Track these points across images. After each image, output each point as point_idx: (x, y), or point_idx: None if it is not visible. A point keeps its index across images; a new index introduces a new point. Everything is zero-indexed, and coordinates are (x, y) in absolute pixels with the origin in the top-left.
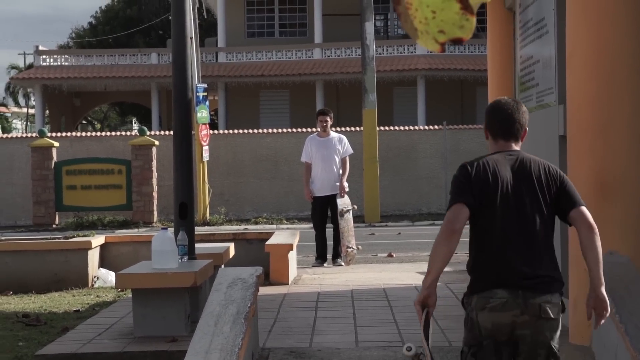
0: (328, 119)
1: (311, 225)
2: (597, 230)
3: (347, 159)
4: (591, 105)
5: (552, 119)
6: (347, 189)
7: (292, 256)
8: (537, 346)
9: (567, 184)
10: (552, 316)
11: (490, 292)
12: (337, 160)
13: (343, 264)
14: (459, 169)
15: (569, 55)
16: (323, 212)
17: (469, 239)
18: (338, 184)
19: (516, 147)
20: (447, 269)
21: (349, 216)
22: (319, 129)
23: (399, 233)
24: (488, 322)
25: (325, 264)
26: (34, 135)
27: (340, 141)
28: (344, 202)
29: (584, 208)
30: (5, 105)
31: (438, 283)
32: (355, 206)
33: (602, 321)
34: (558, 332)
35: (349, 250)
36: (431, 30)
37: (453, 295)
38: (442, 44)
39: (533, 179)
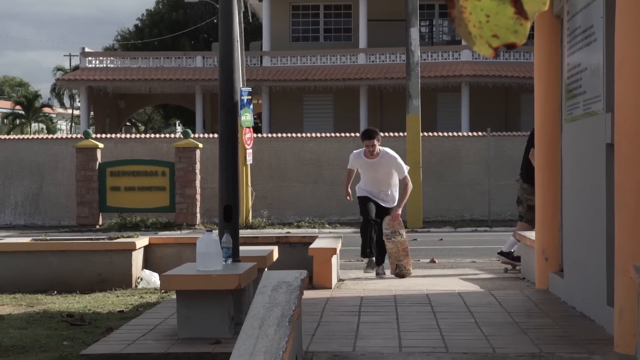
0: (375, 142)
1: (353, 229)
2: None
3: (407, 179)
4: None
5: (599, 127)
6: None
7: (335, 260)
8: (524, 200)
9: None
10: (524, 187)
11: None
12: (391, 180)
13: (387, 272)
14: None
15: (618, 64)
16: (372, 204)
17: None
18: (388, 196)
19: None
20: (489, 275)
21: (398, 239)
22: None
23: (441, 239)
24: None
25: (372, 259)
26: (78, 136)
27: (390, 162)
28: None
29: None
30: (50, 106)
31: (480, 290)
32: (403, 231)
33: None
34: (531, 195)
35: (398, 272)
36: (485, 35)
37: (497, 302)
38: (496, 49)
39: None
